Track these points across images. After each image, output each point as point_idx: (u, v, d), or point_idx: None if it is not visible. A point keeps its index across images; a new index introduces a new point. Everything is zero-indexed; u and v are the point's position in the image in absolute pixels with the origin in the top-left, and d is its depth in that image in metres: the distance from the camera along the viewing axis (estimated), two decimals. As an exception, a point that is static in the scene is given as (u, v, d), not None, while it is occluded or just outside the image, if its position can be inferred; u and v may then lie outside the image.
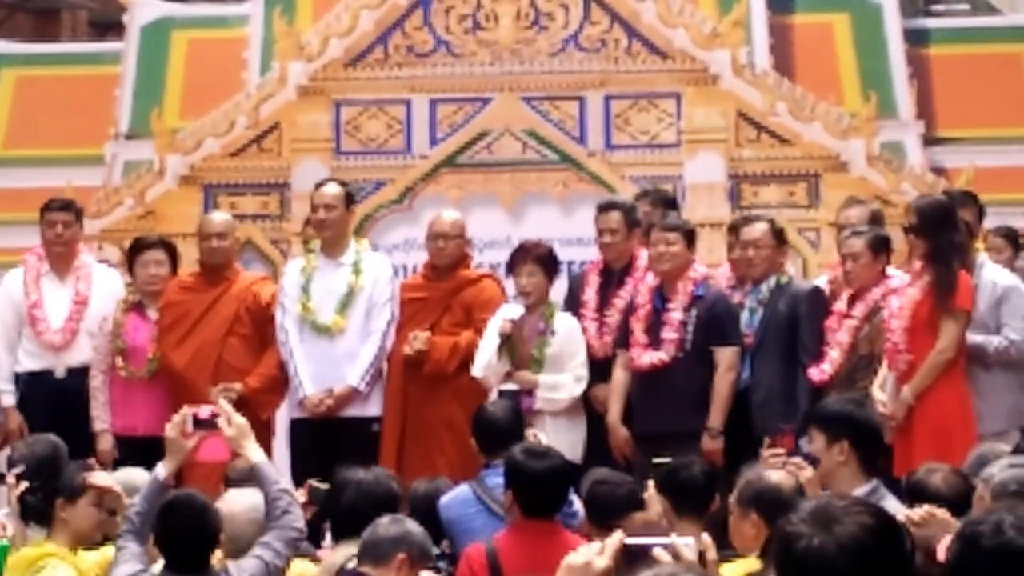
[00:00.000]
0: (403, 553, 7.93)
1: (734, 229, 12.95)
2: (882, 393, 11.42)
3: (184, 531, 8.19)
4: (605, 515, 8.84)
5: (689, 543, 4.91)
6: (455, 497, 9.94)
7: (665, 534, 5.48)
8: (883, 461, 10.72)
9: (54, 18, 23.37)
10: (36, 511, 8.81)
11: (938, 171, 14.08)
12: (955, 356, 11.34)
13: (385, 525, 8.36)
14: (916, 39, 15.66)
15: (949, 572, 5.22)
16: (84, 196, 13.98)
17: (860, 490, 8.28)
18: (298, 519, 8.06)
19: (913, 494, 8.17)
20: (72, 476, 8.91)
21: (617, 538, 4.90)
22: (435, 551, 8.59)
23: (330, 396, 12.67)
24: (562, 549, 8.25)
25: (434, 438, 11.59)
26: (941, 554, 5.99)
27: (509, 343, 12.25)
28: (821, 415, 8.99)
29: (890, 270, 12.05)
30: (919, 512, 6.96)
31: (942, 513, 7.29)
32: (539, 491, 8.85)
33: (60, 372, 13.20)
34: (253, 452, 8.27)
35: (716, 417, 12.02)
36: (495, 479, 9.90)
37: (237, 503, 8.96)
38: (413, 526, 8.36)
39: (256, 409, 12.60)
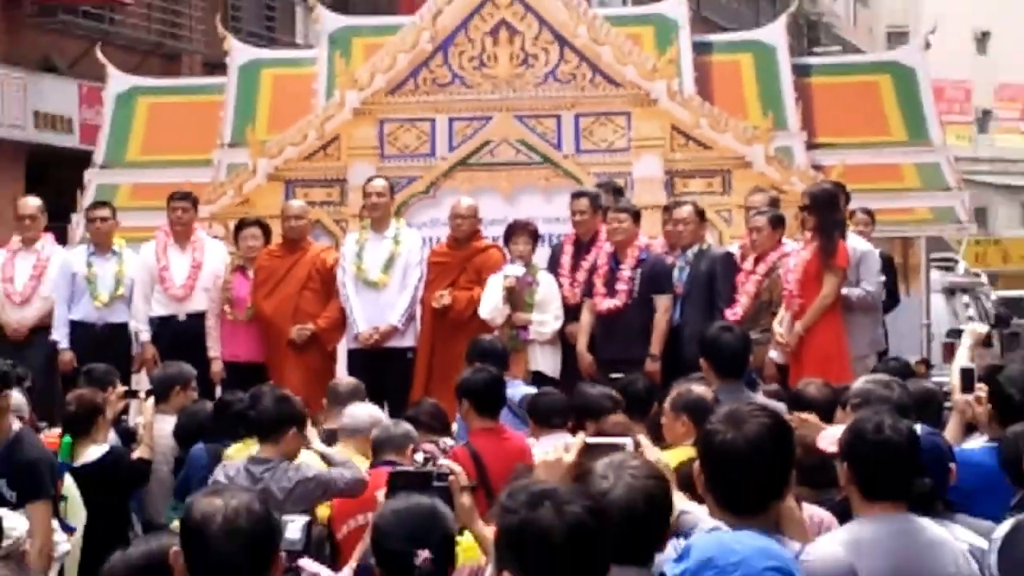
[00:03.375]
0: (412, 444, 7.87)
1: (667, 210, 13.06)
2: (780, 327, 11.58)
3: (272, 412, 8.22)
4: (543, 419, 9.02)
5: (628, 442, 4.86)
6: None
7: (624, 434, 5.43)
8: (781, 377, 10.93)
9: (177, 61, 23.27)
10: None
11: (817, 167, 14.05)
12: (834, 301, 11.46)
13: (390, 426, 8.39)
14: (801, 72, 15.63)
15: (841, 455, 5.30)
16: (198, 189, 13.98)
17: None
18: (348, 475, 7.98)
19: (795, 401, 8.24)
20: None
21: (580, 439, 4.85)
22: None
23: (377, 332, 12.74)
24: (510, 441, 8.82)
25: (453, 365, 11.50)
26: (822, 444, 5.98)
27: (511, 293, 12.34)
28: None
29: (784, 240, 12.13)
30: (797, 417, 7.01)
31: (813, 417, 7.34)
32: (485, 396, 8.86)
33: (182, 316, 13.20)
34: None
35: (656, 347, 12.13)
36: (516, 390, 10.27)
37: (362, 409, 9.25)
38: (407, 424, 8.42)
39: (324, 343, 13.07)
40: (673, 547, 4.62)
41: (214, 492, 4.41)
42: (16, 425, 8.35)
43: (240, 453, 8.62)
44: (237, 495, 4.31)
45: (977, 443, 7.62)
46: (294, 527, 4.89)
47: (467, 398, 8.97)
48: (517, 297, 12.40)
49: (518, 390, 10.32)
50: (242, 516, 4.16)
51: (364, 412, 9.18)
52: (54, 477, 8.35)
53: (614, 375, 10.44)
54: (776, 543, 4.36)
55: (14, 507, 7.28)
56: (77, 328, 13.17)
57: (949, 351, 16.08)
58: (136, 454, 9.37)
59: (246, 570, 4.18)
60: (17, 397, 8.76)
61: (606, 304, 12.28)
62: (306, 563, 4.93)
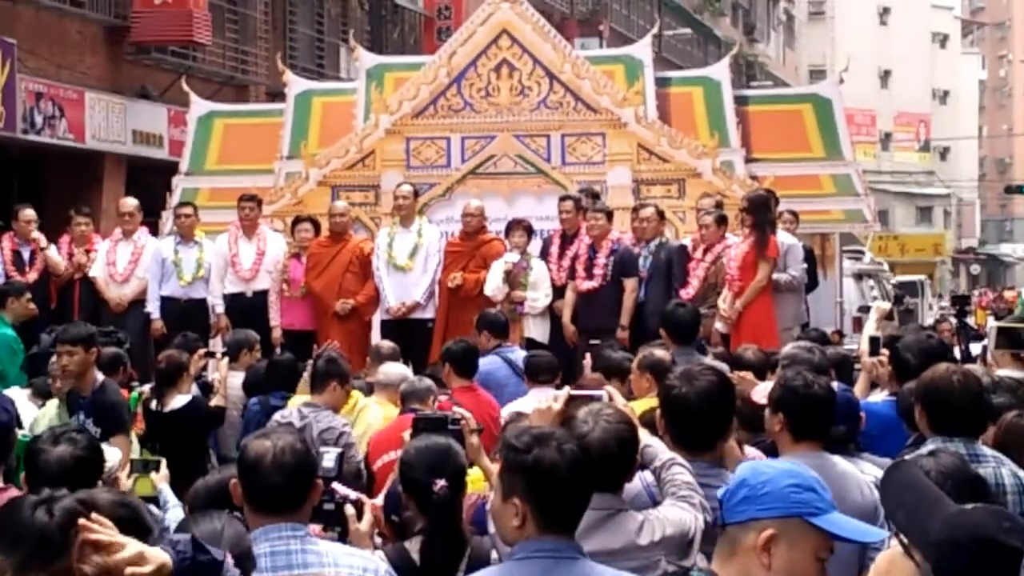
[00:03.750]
0: (432, 396, 7.87)
1: (635, 211, 13.05)
2: (724, 304, 11.53)
3: (321, 369, 8.36)
4: (534, 375, 8.99)
5: (603, 394, 4.86)
6: (491, 362, 9.96)
7: (599, 388, 5.43)
8: (724, 343, 10.81)
9: (245, 90, 23.20)
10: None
11: (753, 177, 13.96)
12: (766, 284, 11.45)
13: (415, 381, 8.35)
14: (740, 101, 15.54)
15: (772, 406, 5.27)
16: (262, 192, 13.96)
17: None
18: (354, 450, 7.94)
19: (735, 362, 8.22)
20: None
21: (566, 391, 4.83)
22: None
23: (404, 306, 12.72)
24: (481, 396, 8.82)
25: (464, 332, 11.48)
26: (756, 397, 5.96)
27: (510, 276, 12.35)
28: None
29: (727, 235, 12.09)
30: (737, 375, 6.98)
31: (749, 375, 7.31)
32: (462, 361, 8.90)
33: (249, 293, 13.17)
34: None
35: (625, 319, 12.09)
36: (508, 353, 10.18)
37: (394, 367, 9.18)
38: (428, 380, 8.39)
39: (363, 315, 12.99)
40: (639, 478, 4.62)
41: (263, 435, 4.42)
42: (100, 376, 8.40)
43: (295, 403, 8.69)
44: (283, 436, 4.32)
45: (879, 397, 7.66)
46: (329, 457, 4.88)
47: (448, 362, 8.99)
48: (514, 279, 12.39)
49: (519, 355, 10.29)
50: (287, 453, 4.19)
51: (396, 370, 9.21)
52: (131, 417, 8.39)
53: (592, 341, 10.44)
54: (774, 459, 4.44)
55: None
56: (166, 302, 13.18)
57: (858, 324, 16.08)
58: (213, 402, 9.40)
59: (291, 495, 4.19)
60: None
61: (586, 285, 12.24)
62: (338, 487, 4.93)
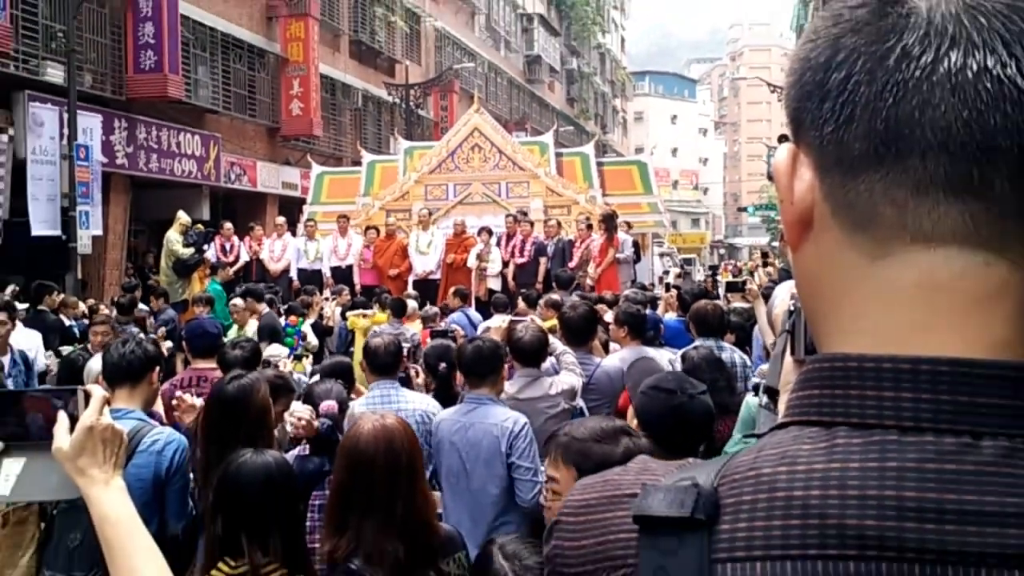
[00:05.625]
0: (439, 317, 7.69)
1: (546, 223, 12.97)
2: (591, 271, 11.43)
3: (394, 303, 8.07)
4: (497, 307, 8.58)
5: (528, 319, 4.80)
6: (458, 316, 9.30)
7: (526, 315, 5.38)
8: (591, 291, 10.46)
9: (340, 160, 22.84)
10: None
11: (607, 204, 13.91)
12: (613, 261, 11.37)
13: (429, 309, 8.08)
14: (599, 164, 15.58)
15: (618, 321, 5.22)
16: (350, 213, 13.79)
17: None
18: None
19: (597, 300, 8.11)
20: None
21: (508, 317, 4.80)
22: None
23: (424, 273, 12.50)
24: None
25: (454, 283, 11.45)
26: (607, 318, 5.89)
27: (479, 256, 12.10)
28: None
29: (593, 234, 11.97)
30: (598, 307, 6.89)
31: (604, 307, 7.26)
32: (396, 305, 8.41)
33: (343, 266, 12.91)
34: None
35: (539, 279, 11.82)
36: (467, 312, 9.32)
37: (410, 303, 8.63)
38: (436, 309, 8.10)
39: (403, 277, 12.62)
40: (549, 360, 4.62)
41: (378, 335, 4.57)
42: (265, 309, 8.33)
43: (359, 319, 8.53)
44: (388, 337, 4.48)
45: (672, 316, 7.70)
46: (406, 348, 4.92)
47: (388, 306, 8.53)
48: (482, 258, 12.17)
49: (472, 314, 9.28)
50: (391, 345, 4.27)
51: (411, 304, 9.03)
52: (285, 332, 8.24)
53: (523, 291, 10.34)
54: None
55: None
56: (300, 272, 12.98)
57: (660, 280, 16.15)
58: (324, 323, 9.30)
59: (392, 366, 4.22)
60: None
61: (519, 261, 12.10)
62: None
